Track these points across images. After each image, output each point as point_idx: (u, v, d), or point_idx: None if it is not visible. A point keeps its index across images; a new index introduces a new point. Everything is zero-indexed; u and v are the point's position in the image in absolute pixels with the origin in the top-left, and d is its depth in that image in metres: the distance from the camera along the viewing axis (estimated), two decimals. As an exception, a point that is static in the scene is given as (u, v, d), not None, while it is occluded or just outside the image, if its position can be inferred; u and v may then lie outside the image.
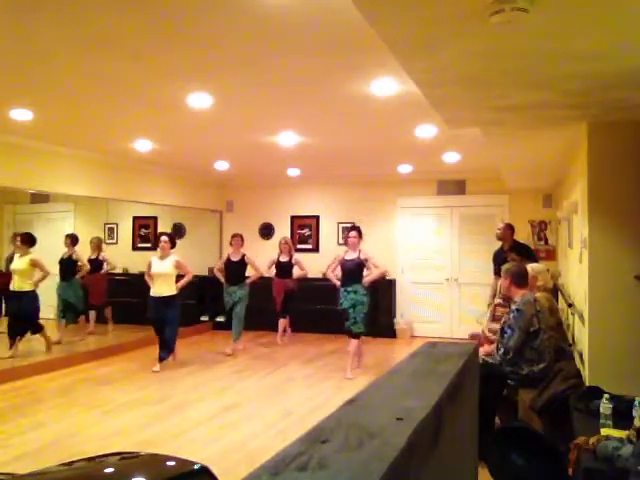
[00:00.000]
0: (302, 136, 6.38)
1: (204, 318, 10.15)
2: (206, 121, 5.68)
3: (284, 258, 8.65)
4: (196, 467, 2.09)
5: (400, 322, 9.44)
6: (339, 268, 6.82)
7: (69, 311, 8.41)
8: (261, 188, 10.29)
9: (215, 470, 2.10)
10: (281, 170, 9.08)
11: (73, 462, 2.21)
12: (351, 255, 6.64)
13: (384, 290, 9.48)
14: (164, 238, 6.97)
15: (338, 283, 6.68)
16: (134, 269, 10.02)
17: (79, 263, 8.49)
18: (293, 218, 10.31)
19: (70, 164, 7.35)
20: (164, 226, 10.66)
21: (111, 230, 11.12)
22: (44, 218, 11.05)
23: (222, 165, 8.52)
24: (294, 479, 0.54)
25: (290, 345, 8.59)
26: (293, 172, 9.21)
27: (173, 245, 7.07)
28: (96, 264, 9.00)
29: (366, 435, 0.65)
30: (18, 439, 4.49)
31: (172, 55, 3.82)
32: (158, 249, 7.06)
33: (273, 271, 8.65)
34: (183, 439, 4.52)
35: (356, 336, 6.55)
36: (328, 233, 10.07)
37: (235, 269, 7.92)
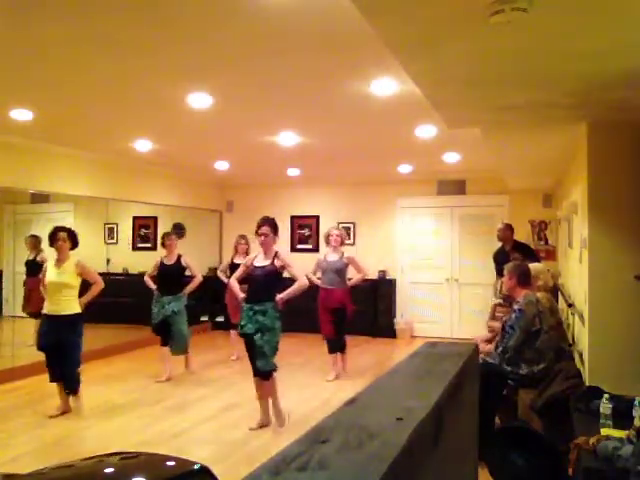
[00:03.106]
0: (302, 136, 6.37)
1: (204, 318, 10.17)
2: (206, 121, 5.68)
3: (239, 259, 6.77)
4: (196, 467, 2.09)
5: (400, 322, 9.44)
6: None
7: None
8: (261, 188, 10.29)
9: (215, 470, 2.10)
10: (281, 170, 9.08)
11: (73, 462, 2.21)
12: (262, 261, 4.73)
13: (384, 290, 9.50)
14: (61, 234, 5.10)
15: (242, 296, 4.76)
16: (134, 269, 10.03)
17: None
18: (293, 218, 10.30)
19: (70, 164, 7.35)
20: (164, 226, 10.67)
21: (111, 230, 11.11)
22: (44, 218, 11.03)
23: (222, 165, 8.52)
24: (294, 479, 0.54)
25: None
26: (293, 172, 9.21)
27: (74, 244, 5.22)
28: (34, 266, 7.62)
29: (366, 435, 0.65)
30: (18, 439, 4.49)
31: (172, 55, 3.82)
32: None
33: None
34: (183, 439, 4.52)
35: (264, 376, 4.68)
36: (328, 233, 10.08)
37: (169, 275, 6.46)
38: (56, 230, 5.19)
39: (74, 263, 5.11)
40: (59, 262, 5.11)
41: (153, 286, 6.50)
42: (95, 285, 5.25)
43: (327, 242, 6.67)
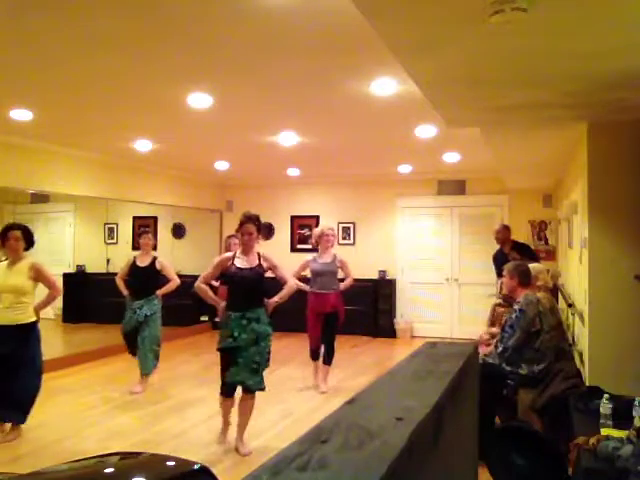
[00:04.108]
0: (302, 136, 6.38)
1: (204, 318, 10.18)
2: (206, 121, 5.68)
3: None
4: (196, 467, 2.09)
5: (400, 322, 9.44)
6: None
7: None
8: (261, 188, 10.29)
9: (215, 470, 2.10)
10: (281, 170, 9.09)
11: (73, 462, 2.21)
12: (246, 262, 4.24)
13: (384, 290, 9.50)
14: (14, 233, 4.50)
15: (223, 304, 4.25)
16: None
17: None
18: (293, 218, 10.31)
19: (70, 164, 7.35)
20: (164, 226, 10.68)
21: (111, 230, 11.12)
22: (44, 218, 11.06)
23: (222, 165, 8.53)
24: (294, 479, 0.54)
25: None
26: (293, 172, 9.22)
27: (29, 244, 4.61)
28: None
29: (366, 435, 0.65)
30: (18, 439, 4.48)
31: (172, 55, 3.82)
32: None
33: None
34: (183, 439, 4.52)
35: (252, 392, 4.17)
36: (328, 233, 10.06)
37: (142, 278, 5.90)
38: (8, 228, 4.60)
39: (28, 265, 4.48)
40: (11, 263, 4.49)
41: (125, 292, 5.92)
42: (51, 289, 4.63)
43: (318, 242, 5.99)
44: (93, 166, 7.66)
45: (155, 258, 6.01)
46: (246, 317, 4.09)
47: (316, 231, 6.16)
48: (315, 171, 9.25)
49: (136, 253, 6.17)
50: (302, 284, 5.76)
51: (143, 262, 5.96)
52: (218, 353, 4.21)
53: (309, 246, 10.12)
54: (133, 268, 5.95)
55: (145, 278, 5.92)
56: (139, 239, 6.10)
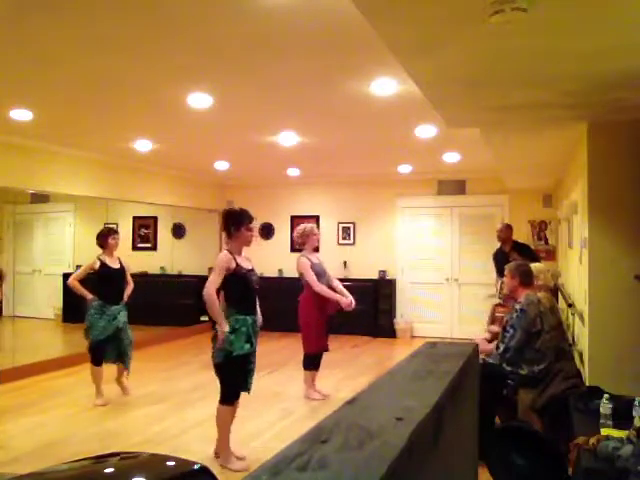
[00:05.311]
0: (302, 136, 6.38)
1: (204, 318, 10.18)
2: (206, 121, 5.68)
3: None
4: (196, 467, 2.09)
5: (400, 322, 9.44)
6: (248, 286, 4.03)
7: None
8: (261, 188, 10.29)
9: (215, 470, 2.10)
10: (281, 170, 9.09)
11: (73, 462, 2.21)
12: (245, 262, 4.01)
13: (384, 290, 9.50)
14: None
15: (221, 320, 3.89)
16: (134, 269, 10.02)
17: None
18: (293, 218, 10.31)
19: (70, 164, 7.35)
20: (164, 226, 10.68)
21: (111, 230, 11.13)
22: (44, 218, 11.06)
23: (222, 165, 8.52)
24: (294, 479, 0.54)
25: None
26: (293, 172, 9.22)
27: None
28: None
29: (366, 435, 0.65)
30: (18, 439, 4.48)
31: (172, 55, 3.82)
32: None
33: None
34: (183, 439, 4.52)
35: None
36: (328, 233, 10.07)
37: (117, 281, 5.55)
38: None
39: None
40: None
41: (89, 295, 5.38)
42: None
43: (305, 241, 5.65)
44: (93, 166, 7.66)
45: (120, 259, 5.67)
46: (256, 321, 3.97)
47: (305, 228, 5.71)
48: (315, 171, 9.24)
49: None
50: (333, 293, 5.48)
51: (114, 263, 5.55)
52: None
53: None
54: (105, 270, 5.45)
55: (119, 281, 5.56)
56: (107, 238, 5.53)
